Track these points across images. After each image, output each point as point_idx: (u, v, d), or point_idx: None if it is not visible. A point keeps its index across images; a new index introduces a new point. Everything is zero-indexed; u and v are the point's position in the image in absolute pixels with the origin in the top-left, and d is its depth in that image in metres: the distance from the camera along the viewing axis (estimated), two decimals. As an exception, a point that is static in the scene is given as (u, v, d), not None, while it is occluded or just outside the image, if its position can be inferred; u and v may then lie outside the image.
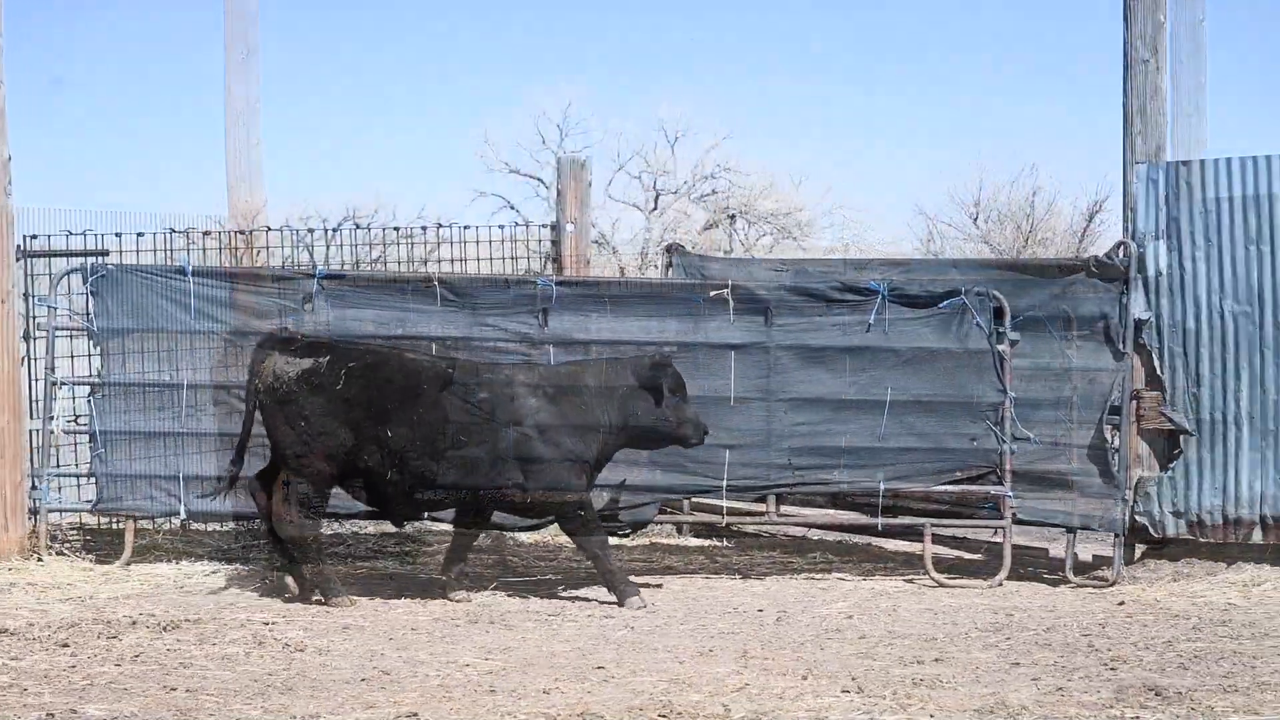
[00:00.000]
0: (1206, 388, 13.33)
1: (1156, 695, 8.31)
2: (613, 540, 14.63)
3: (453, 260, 15.91)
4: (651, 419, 12.15)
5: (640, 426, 12.17)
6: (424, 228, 16.58)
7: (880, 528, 13.69)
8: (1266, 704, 8.08)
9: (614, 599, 11.79)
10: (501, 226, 16.53)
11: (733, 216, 44.46)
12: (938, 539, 14.02)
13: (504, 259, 16.29)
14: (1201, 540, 13.44)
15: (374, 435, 11.60)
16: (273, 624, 10.61)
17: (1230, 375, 13.25)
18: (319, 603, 11.49)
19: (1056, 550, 13.80)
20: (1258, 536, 13.16)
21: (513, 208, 43.76)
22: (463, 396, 11.78)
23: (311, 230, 16.58)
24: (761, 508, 14.09)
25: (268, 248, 15.47)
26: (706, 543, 15.51)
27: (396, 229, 17.15)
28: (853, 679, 8.77)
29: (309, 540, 11.66)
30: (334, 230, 16.67)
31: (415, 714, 7.98)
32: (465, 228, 16.10)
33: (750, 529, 15.66)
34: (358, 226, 17.02)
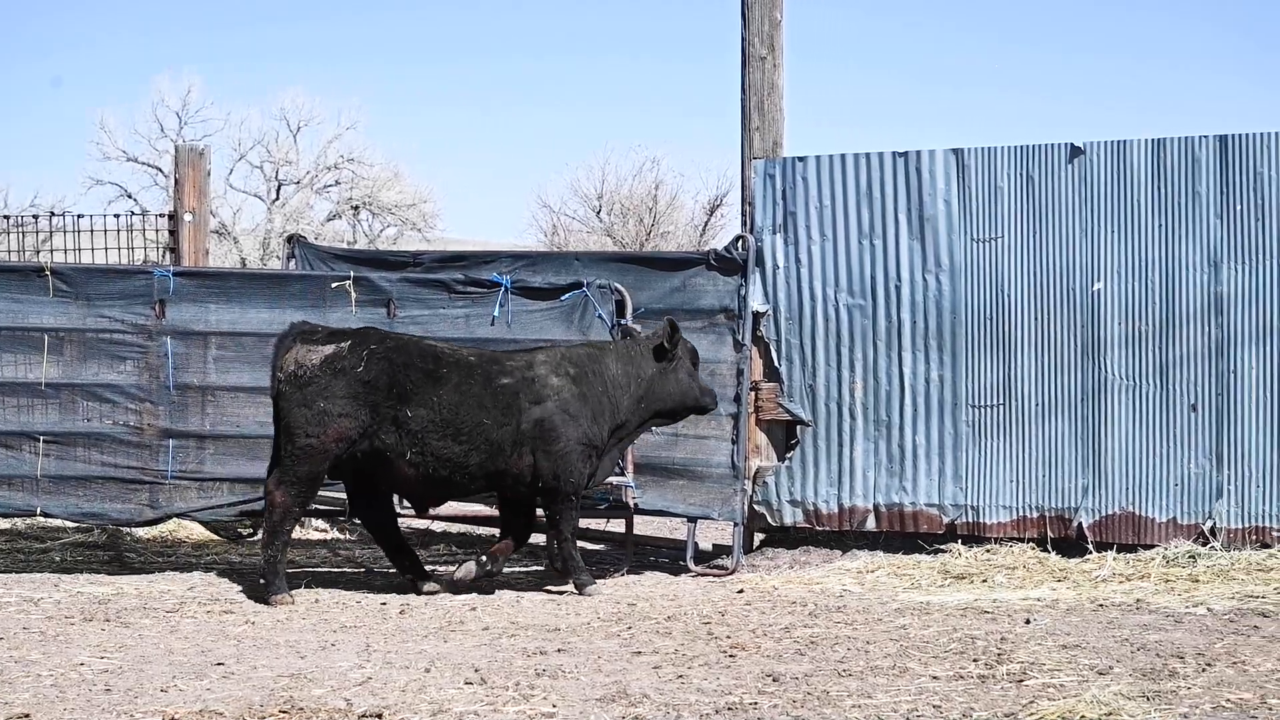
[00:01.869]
0: (822, 379, 13.65)
1: (774, 681, 8.42)
2: (226, 538, 14.46)
3: (66, 250, 15.46)
4: (677, 392, 12.32)
5: (665, 400, 12.32)
6: (36, 216, 16.10)
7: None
8: (880, 687, 8.23)
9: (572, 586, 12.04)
10: (118, 215, 16.18)
11: (356, 208, 44.14)
12: None
13: (121, 249, 15.91)
14: (818, 529, 13.75)
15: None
16: None
17: (845, 367, 13.59)
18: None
19: (682, 538, 13.94)
20: (871, 524, 13.52)
21: (130, 197, 42.84)
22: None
23: (-87, 218, 15.97)
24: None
25: None
26: (329, 536, 15.40)
27: (6, 217, 16.62)
28: (476, 670, 8.73)
29: None
30: (-62, 218, 16.08)
31: (27, 715, 7.68)
32: (80, 216, 15.69)
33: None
34: (-35, 214, 16.43)
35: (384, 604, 11.47)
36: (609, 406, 12.07)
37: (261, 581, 11.67)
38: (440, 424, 11.64)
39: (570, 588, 12.10)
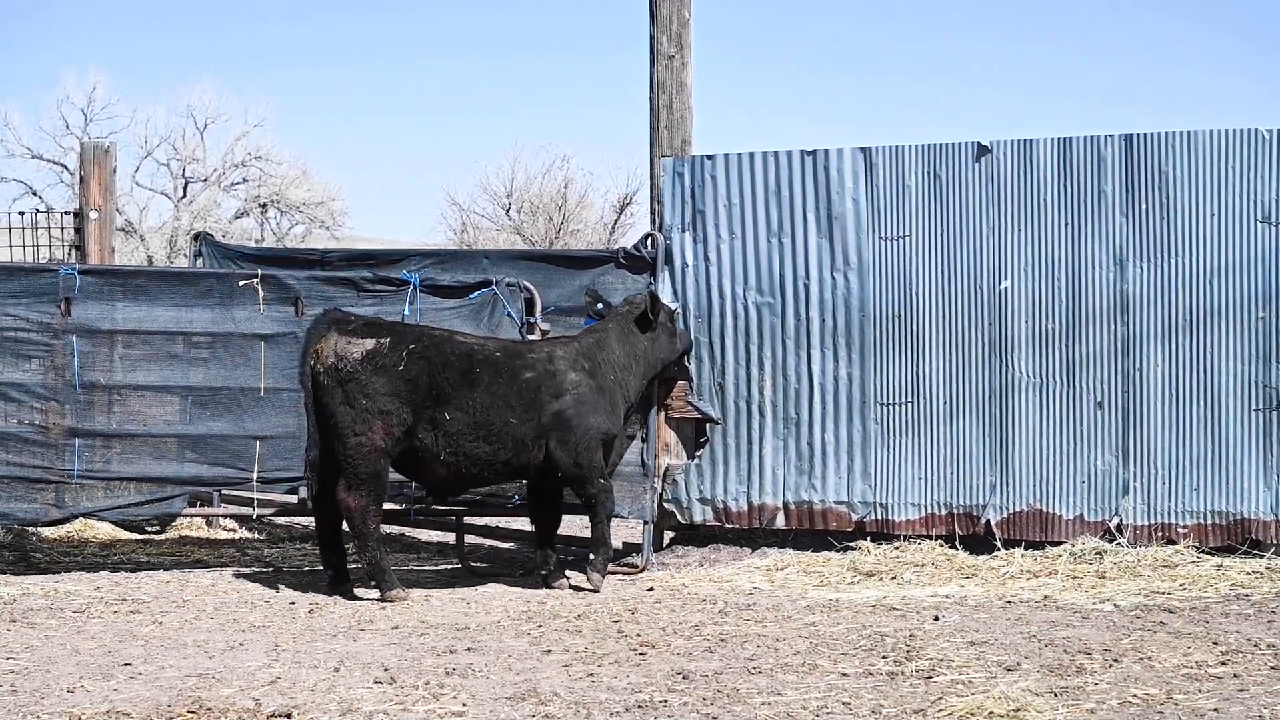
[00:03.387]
0: (731, 377, 13.66)
1: (684, 679, 8.43)
2: (138, 536, 14.35)
3: (-32, 248, 15.29)
4: (665, 355, 12.94)
5: (656, 365, 12.91)
6: (-62, 214, 15.91)
7: (413, 518, 13.67)
8: (790, 685, 8.26)
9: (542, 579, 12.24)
10: (23, 213, 15.99)
11: (264, 206, 43.85)
12: (472, 529, 14.11)
13: (26, 247, 15.75)
14: (728, 526, 13.75)
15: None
16: None
17: (754, 365, 13.60)
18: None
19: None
20: (781, 522, 13.53)
21: (35, 194, 42.37)
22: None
23: None
24: (294, 499, 13.82)
25: None
26: (237, 535, 15.29)
27: (-92, 215, 16.41)
28: (385, 669, 8.74)
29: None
30: None
31: (-71, 719, 7.61)
32: (-17, 214, 15.52)
33: (283, 521, 15.43)
34: None
35: (293, 603, 11.42)
36: (620, 392, 12.39)
37: (372, 584, 11.79)
38: (474, 425, 11.82)
39: (553, 588, 12.24)
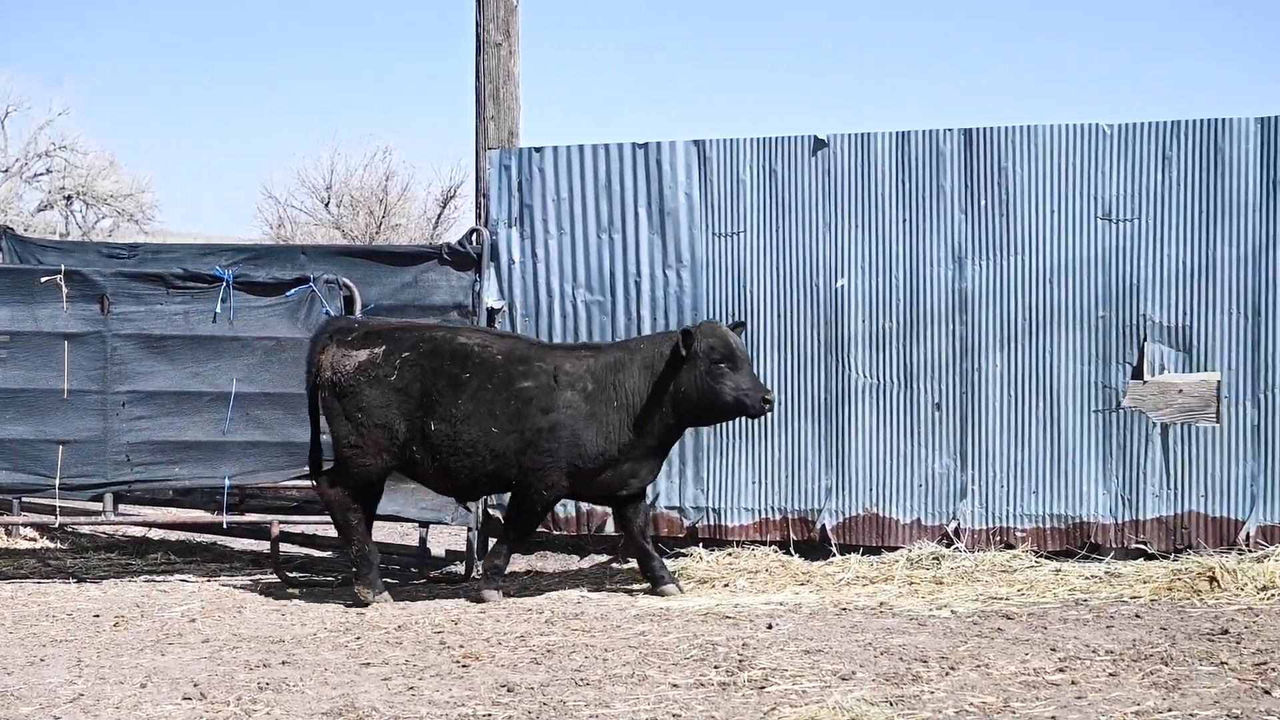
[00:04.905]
0: (559, 378, 13.38)
1: (509, 691, 8.27)
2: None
3: None
4: (700, 395, 11.51)
5: (686, 403, 11.56)
6: None
7: (226, 526, 13.51)
8: (618, 696, 8.11)
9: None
10: None
11: (69, 198, 43.08)
12: (287, 537, 13.85)
13: None
14: (555, 533, 13.57)
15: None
16: None
17: (582, 365, 13.32)
18: None
19: (414, 544, 13.84)
20: (611, 528, 13.28)
21: None
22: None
23: None
24: (98, 506, 13.50)
25: None
26: (38, 545, 14.93)
27: None
28: (195, 685, 8.54)
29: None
30: None
31: None
32: None
33: (86, 529, 15.06)
34: None
35: (98, 616, 11.19)
36: (624, 420, 11.55)
37: (353, 572, 11.77)
38: (451, 436, 11.50)
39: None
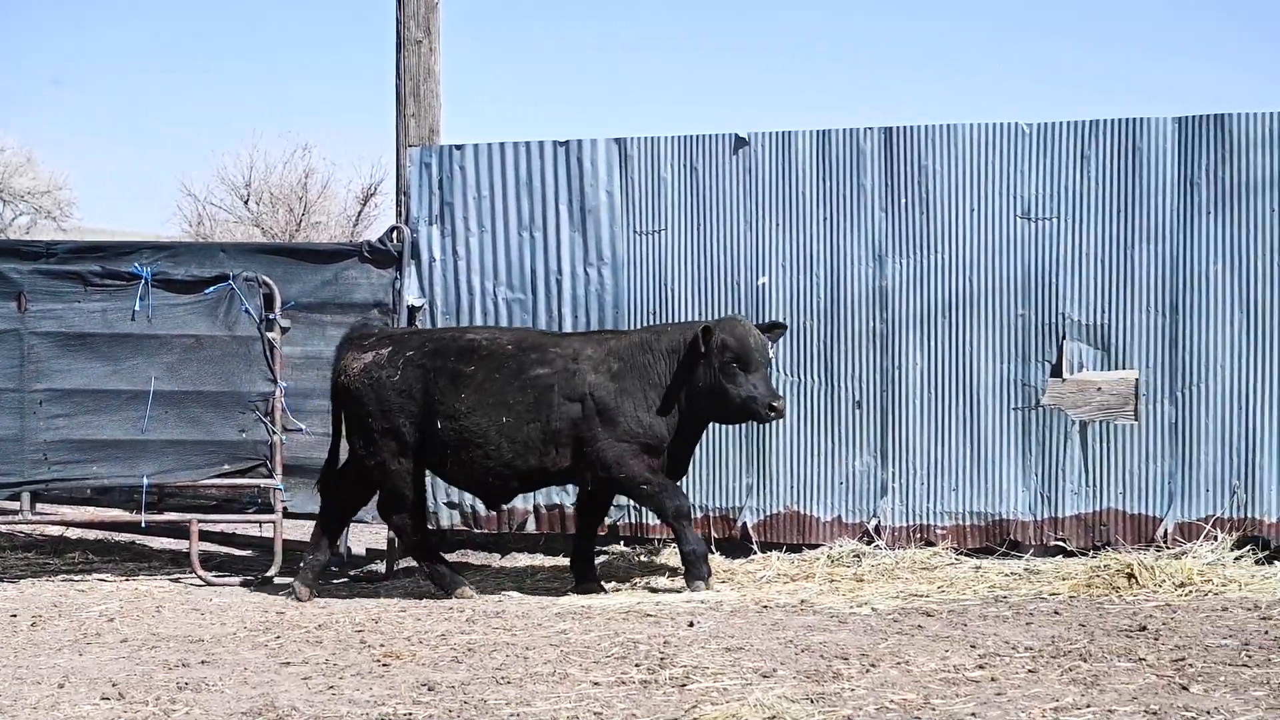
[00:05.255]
0: (480, 376, 13.34)
1: (430, 690, 8.22)
2: None
3: None
4: (711, 394, 11.42)
5: (699, 401, 11.49)
6: None
7: (144, 525, 13.38)
8: (539, 695, 8.08)
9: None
10: None
11: (-16, 194, 42.71)
12: (206, 535, 13.81)
13: None
14: (477, 531, 13.53)
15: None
16: None
17: (502, 363, 13.29)
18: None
19: (352, 545, 13.77)
20: (532, 526, 13.32)
21: None
22: None
23: None
24: (14, 506, 13.39)
25: None
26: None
27: None
28: (113, 685, 8.47)
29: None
30: None
31: None
32: None
33: (3, 528, 14.87)
34: None
35: (14, 615, 11.10)
36: (653, 403, 11.50)
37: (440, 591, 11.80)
38: (460, 430, 11.51)
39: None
